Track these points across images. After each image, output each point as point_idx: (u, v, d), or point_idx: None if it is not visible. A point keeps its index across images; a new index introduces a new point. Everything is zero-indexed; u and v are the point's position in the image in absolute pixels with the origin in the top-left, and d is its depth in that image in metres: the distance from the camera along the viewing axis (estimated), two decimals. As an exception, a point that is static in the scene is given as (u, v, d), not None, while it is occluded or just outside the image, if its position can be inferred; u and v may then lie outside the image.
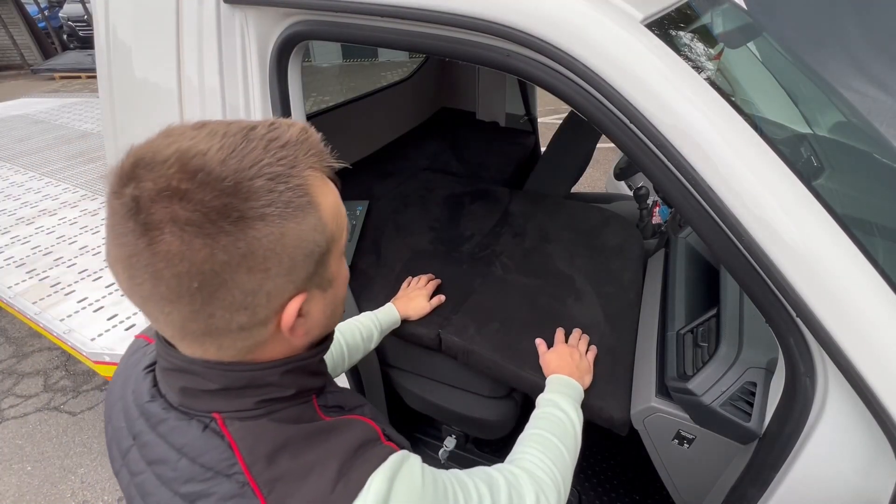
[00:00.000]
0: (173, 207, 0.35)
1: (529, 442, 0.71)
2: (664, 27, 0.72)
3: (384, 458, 0.42)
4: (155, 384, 0.48)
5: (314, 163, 0.40)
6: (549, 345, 1.05)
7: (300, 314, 0.42)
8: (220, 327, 0.39)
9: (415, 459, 0.45)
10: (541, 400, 0.85)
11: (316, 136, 0.42)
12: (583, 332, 1.09)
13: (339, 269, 0.47)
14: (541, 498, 0.57)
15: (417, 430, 1.51)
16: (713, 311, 0.98)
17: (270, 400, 0.44)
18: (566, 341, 1.06)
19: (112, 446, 0.50)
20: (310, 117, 0.89)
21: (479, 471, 0.56)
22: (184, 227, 0.35)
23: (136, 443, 0.46)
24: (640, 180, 2.21)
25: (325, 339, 0.50)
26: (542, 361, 1.01)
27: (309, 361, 0.47)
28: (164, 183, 0.35)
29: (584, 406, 0.88)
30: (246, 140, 0.37)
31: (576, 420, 0.79)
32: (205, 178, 0.35)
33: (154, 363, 0.49)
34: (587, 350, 1.05)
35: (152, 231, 0.35)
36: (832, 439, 0.68)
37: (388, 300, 1.16)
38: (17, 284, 2.02)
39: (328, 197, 0.42)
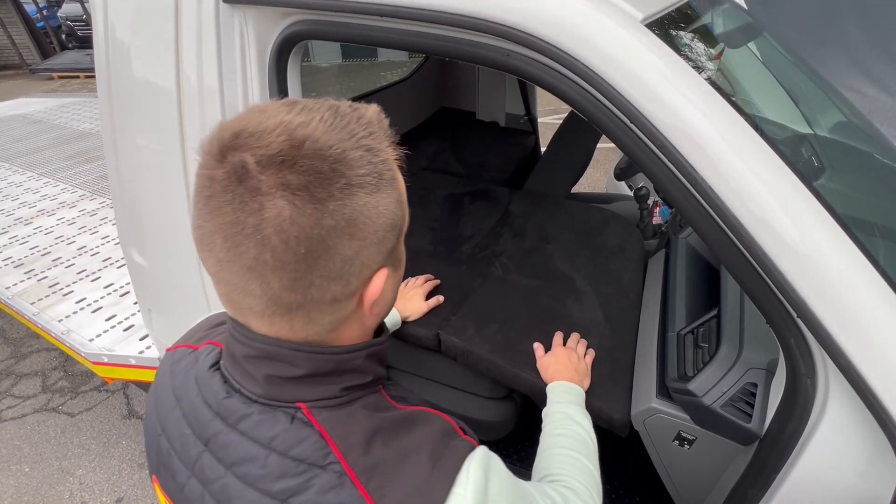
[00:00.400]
0: (284, 173, 0.35)
1: (561, 462, 0.69)
2: (664, 27, 0.72)
3: (470, 450, 0.43)
4: (226, 380, 0.46)
5: (390, 143, 0.42)
6: (547, 349, 1.04)
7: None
8: (316, 298, 0.39)
9: (496, 456, 0.45)
10: (552, 413, 0.82)
11: (386, 119, 0.43)
12: (582, 336, 1.09)
13: (403, 252, 0.48)
14: None
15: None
16: (714, 312, 0.98)
17: (353, 387, 0.44)
18: (564, 344, 1.05)
19: (169, 462, 0.48)
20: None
21: (538, 484, 0.56)
22: (296, 192, 0.35)
23: (208, 448, 0.44)
24: (641, 180, 2.21)
25: (382, 327, 0.51)
26: (539, 366, 1.00)
27: (382, 347, 0.48)
28: (275, 149, 0.35)
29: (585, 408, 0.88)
30: (338, 115, 0.39)
31: (592, 433, 0.78)
32: (312, 145, 0.36)
33: (217, 362, 0.48)
34: (585, 353, 1.04)
35: (262, 196, 0.35)
36: (833, 440, 0.68)
37: (387, 301, 1.16)
38: (15, 285, 2.02)
39: (400, 176, 0.43)
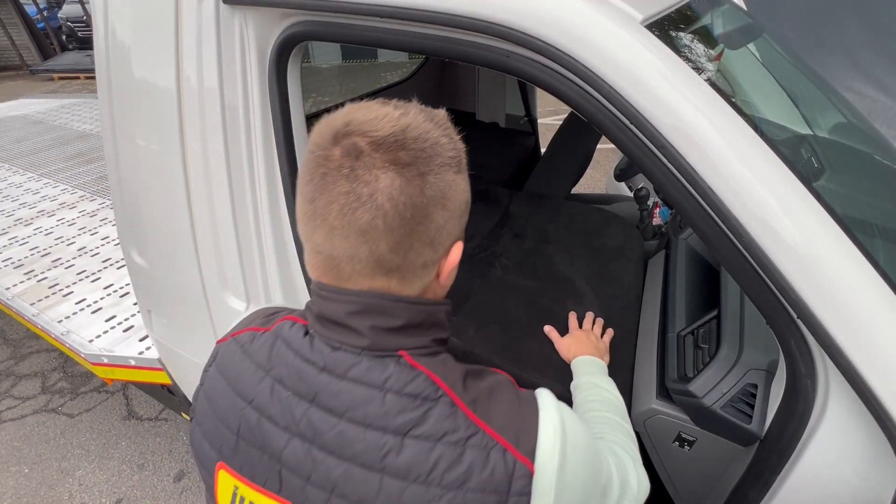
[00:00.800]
0: (395, 151, 0.43)
1: (595, 424, 0.74)
2: (664, 28, 0.72)
3: (532, 393, 0.50)
4: (326, 342, 0.49)
5: (459, 137, 0.50)
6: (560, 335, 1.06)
7: None
8: (412, 261, 0.46)
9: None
10: (580, 385, 0.86)
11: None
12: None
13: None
14: (638, 466, 0.65)
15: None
16: (714, 313, 0.98)
17: (438, 340, 0.51)
18: (580, 326, 1.09)
19: (259, 433, 0.49)
20: (309, 118, 0.88)
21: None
22: (405, 166, 0.43)
23: (315, 403, 0.47)
24: (641, 181, 2.21)
25: None
26: (559, 347, 1.03)
27: (449, 307, 0.54)
28: (386, 132, 0.43)
29: None
30: (424, 110, 0.47)
31: (619, 396, 0.83)
32: (414, 131, 0.44)
33: (307, 331, 0.51)
34: (603, 333, 1.07)
35: (377, 170, 0.43)
36: (833, 441, 0.68)
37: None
38: (14, 286, 2.02)
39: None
